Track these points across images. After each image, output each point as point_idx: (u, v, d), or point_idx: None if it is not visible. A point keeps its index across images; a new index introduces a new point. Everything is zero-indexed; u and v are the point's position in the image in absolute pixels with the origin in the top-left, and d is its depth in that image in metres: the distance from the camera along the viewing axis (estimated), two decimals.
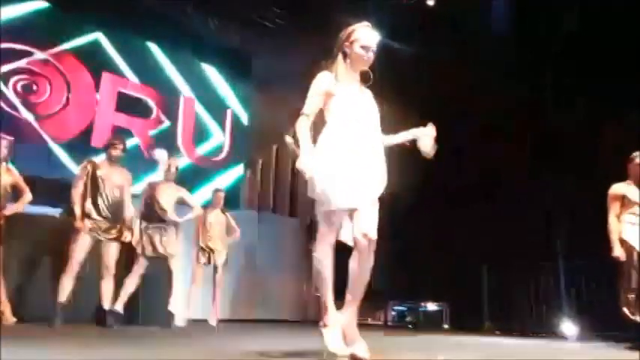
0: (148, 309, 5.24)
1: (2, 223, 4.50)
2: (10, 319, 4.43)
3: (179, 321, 5.35)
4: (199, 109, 8.76)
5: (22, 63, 6.99)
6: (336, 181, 2.44)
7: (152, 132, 8.07)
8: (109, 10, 7.56)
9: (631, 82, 6.03)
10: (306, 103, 2.59)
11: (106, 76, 7.70)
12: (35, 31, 7.14)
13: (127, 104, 7.84)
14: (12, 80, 6.88)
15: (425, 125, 2.75)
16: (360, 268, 2.45)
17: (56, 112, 7.20)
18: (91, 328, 4.35)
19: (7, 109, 6.75)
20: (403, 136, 2.78)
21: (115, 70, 7.84)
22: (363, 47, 2.64)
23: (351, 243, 2.56)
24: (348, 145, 2.52)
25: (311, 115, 2.58)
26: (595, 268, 6.42)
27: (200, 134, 8.70)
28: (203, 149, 8.70)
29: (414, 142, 2.76)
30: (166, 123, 8.29)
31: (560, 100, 7.22)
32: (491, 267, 7.77)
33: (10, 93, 6.83)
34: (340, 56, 2.68)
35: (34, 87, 7.07)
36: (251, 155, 9.63)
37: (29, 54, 7.06)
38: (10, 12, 6.88)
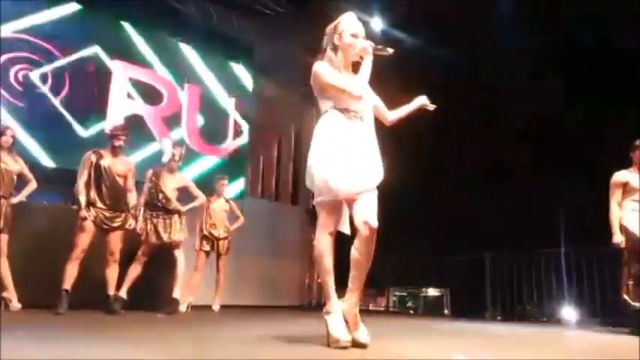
0: (152, 295, 5.30)
1: (8, 211, 4.55)
2: (16, 305, 4.50)
3: (182, 307, 5.44)
4: (202, 97, 8.73)
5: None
6: (334, 170, 2.47)
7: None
8: None
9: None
10: (346, 88, 2.58)
11: (117, 64, 7.72)
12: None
13: (139, 91, 7.87)
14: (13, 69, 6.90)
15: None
16: (362, 256, 2.48)
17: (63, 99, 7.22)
18: (96, 314, 4.40)
19: (6, 96, 6.76)
20: (407, 108, 2.93)
21: (125, 57, 7.84)
22: (352, 35, 2.66)
23: (348, 232, 2.60)
24: (345, 135, 2.54)
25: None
26: (595, 255, 6.47)
27: (203, 123, 8.69)
28: (207, 137, 8.67)
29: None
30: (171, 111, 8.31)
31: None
32: (493, 253, 7.83)
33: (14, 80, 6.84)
34: (330, 50, 2.68)
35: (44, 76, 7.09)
36: (253, 144, 9.64)
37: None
38: None
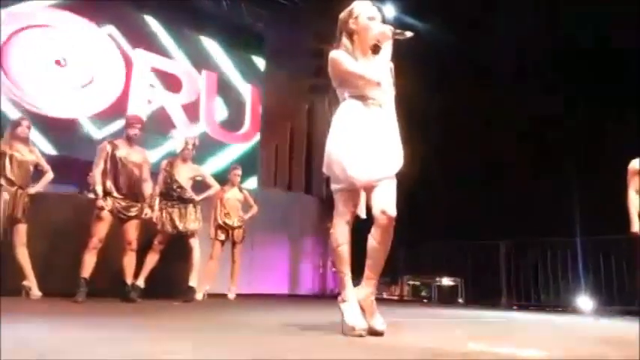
0: (168, 284, 5.35)
1: (26, 201, 4.61)
2: (36, 293, 4.58)
3: (199, 295, 5.49)
4: (218, 85, 8.75)
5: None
6: (353, 158, 2.44)
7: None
8: None
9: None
10: (365, 75, 2.51)
11: (138, 52, 7.76)
12: None
13: (160, 80, 7.95)
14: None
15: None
16: (379, 245, 2.46)
17: (83, 87, 7.27)
18: (113, 302, 4.46)
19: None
20: None
21: (144, 45, 7.88)
22: (369, 18, 2.61)
23: (363, 216, 2.58)
24: (364, 122, 2.51)
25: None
26: (612, 244, 6.40)
27: (221, 110, 8.74)
28: (225, 125, 8.71)
29: None
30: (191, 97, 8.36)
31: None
32: (509, 242, 7.79)
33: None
34: (345, 36, 2.62)
35: (63, 62, 7.13)
36: (266, 133, 9.64)
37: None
38: None
